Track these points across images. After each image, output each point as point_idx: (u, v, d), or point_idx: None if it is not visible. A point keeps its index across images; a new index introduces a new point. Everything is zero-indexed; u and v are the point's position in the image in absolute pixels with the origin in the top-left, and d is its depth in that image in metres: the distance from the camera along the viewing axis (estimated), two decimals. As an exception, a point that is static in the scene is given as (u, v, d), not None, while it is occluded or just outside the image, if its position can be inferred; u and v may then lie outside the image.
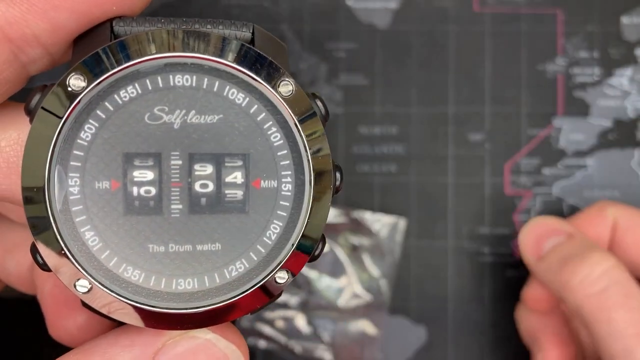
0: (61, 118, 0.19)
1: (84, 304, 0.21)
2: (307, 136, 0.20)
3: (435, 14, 0.38)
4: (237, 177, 0.20)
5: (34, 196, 0.19)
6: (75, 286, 0.20)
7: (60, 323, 0.27)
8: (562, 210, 0.38)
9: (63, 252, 0.19)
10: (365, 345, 0.38)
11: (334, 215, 0.38)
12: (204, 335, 0.21)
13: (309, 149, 0.20)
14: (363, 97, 0.38)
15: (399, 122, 0.38)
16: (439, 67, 0.38)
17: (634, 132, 0.38)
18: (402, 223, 0.38)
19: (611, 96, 0.38)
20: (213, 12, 0.38)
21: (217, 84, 0.20)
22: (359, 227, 0.38)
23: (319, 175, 0.20)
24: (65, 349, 0.29)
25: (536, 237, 0.34)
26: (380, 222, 0.38)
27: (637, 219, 0.33)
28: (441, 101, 0.38)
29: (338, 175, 0.21)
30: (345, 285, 0.38)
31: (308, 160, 0.20)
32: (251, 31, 0.21)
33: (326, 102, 0.38)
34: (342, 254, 0.38)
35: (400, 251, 0.38)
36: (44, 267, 0.20)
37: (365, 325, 0.38)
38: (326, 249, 0.37)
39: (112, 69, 0.19)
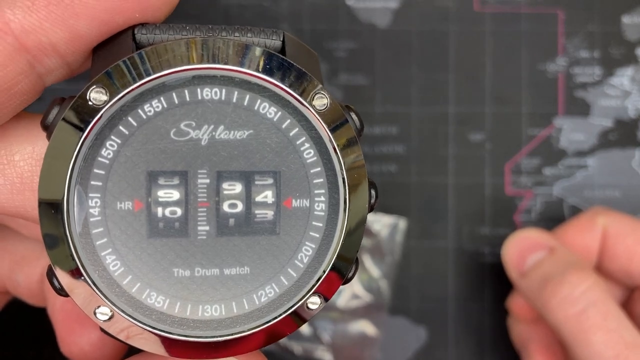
0: (82, 133, 0.18)
1: (103, 330, 0.20)
2: (341, 150, 0.19)
3: (435, 14, 0.38)
4: (267, 196, 0.19)
5: (51, 214, 0.18)
6: (95, 314, 0.18)
7: (72, 339, 0.26)
8: (562, 210, 0.38)
9: (83, 277, 0.18)
10: (365, 346, 0.38)
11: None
12: None
13: (344, 165, 0.19)
14: (363, 97, 0.38)
15: (399, 122, 0.38)
16: (439, 67, 0.38)
17: (635, 132, 0.38)
18: (402, 223, 0.38)
19: (612, 96, 0.38)
20: (213, 12, 0.37)
21: (247, 97, 0.19)
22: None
23: (353, 193, 0.19)
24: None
25: (519, 252, 0.34)
26: (380, 223, 0.38)
27: (628, 227, 0.33)
28: (441, 101, 0.38)
29: (373, 192, 0.20)
30: (345, 285, 0.38)
31: (343, 179, 0.19)
32: (281, 39, 0.20)
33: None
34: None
35: (400, 251, 0.38)
36: (61, 292, 0.19)
37: (365, 326, 0.38)
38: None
39: (136, 81, 0.18)
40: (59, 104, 0.18)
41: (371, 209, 0.20)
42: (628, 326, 0.29)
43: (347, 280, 0.20)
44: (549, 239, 0.34)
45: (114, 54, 0.19)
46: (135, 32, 0.19)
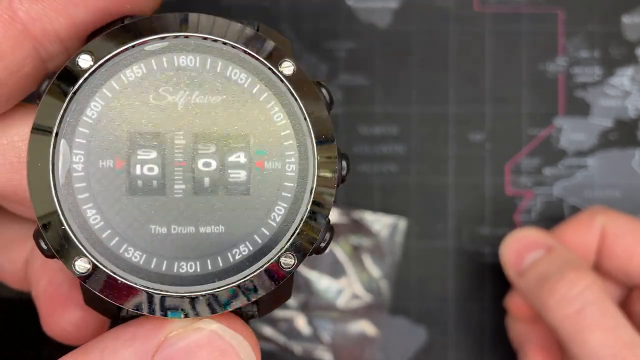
0: (69, 92, 0.19)
1: (87, 301, 0.21)
2: (309, 116, 0.20)
3: (435, 14, 0.38)
4: (240, 157, 0.20)
5: (37, 167, 0.19)
6: (74, 266, 0.19)
7: (55, 319, 0.27)
8: (562, 210, 0.38)
9: (63, 227, 0.19)
10: (365, 346, 0.38)
11: (334, 215, 0.37)
12: (208, 326, 0.20)
13: (313, 130, 0.20)
14: (363, 97, 0.38)
15: (399, 122, 0.38)
16: (439, 67, 0.38)
17: (635, 132, 0.38)
18: (402, 223, 0.38)
19: (612, 96, 0.38)
20: (213, 12, 0.37)
21: (220, 64, 0.20)
22: (359, 227, 0.38)
23: (323, 159, 0.20)
24: (64, 347, 0.29)
25: (517, 251, 0.34)
26: (380, 223, 0.38)
27: (627, 226, 0.33)
28: (441, 101, 0.38)
29: (344, 163, 0.21)
30: (345, 285, 0.38)
31: (311, 139, 0.20)
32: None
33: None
34: (342, 255, 0.38)
35: (400, 251, 0.38)
36: (47, 252, 0.20)
37: (365, 326, 0.38)
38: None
39: (118, 48, 0.20)
40: (50, 77, 0.20)
41: (342, 180, 0.21)
42: (626, 325, 0.29)
43: (320, 249, 0.21)
44: (547, 238, 0.34)
45: None
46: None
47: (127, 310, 0.20)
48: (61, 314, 0.27)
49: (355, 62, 0.38)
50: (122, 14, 0.21)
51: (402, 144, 0.38)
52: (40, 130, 0.19)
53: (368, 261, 0.38)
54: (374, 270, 0.38)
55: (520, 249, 0.34)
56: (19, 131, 0.21)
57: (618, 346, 0.29)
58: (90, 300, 0.21)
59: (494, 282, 0.38)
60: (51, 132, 0.19)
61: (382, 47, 0.38)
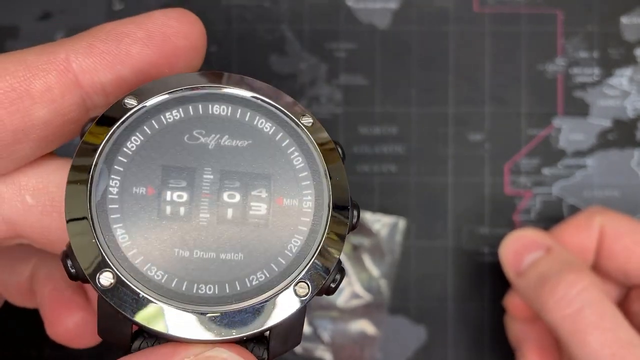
0: (113, 125, 0.22)
1: (100, 331, 0.22)
2: (326, 162, 0.23)
3: (435, 14, 0.38)
4: (262, 192, 0.22)
5: (77, 187, 0.21)
6: (98, 280, 0.20)
7: (58, 320, 0.28)
8: (561, 210, 0.38)
9: (94, 240, 0.21)
10: (365, 345, 0.38)
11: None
12: (220, 355, 0.21)
13: (329, 173, 0.22)
14: (363, 97, 0.38)
15: (399, 122, 0.38)
16: (439, 67, 0.38)
17: (634, 132, 0.38)
18: (402, 223, 0.38)
19: (611, 96, 0.38)
20: (214, 13, 0.38)
21: (248, 114, 0.23)
22: (359, 227, 0.38)
23: (337, 192, 0.22)
24: (65, 347, 0.29)
25: (516, 252, 0.34)
26: (380, 222, 0.38)
27: (625, 227, 0.33)
28: (441, 101, 0.38)
29: (355, 212, 0.23)
30: (345, 285, 0.38)
31: (327, 180, 0.22)
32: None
33: (326, 102, 0.38)
34: (342, 254, 0.38)
35: (400, 251, 0.38)
36: (73, 272, 0.21)
37: (365, 325, 0.38)
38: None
39: (161, 94, 0.22)
40: (92, 120, 0.22)
41: (353, 227, 0.23)
42: (624, 325, 0.30)
43: (330, 290, 0.22)
44: (546, 238, 0.34)
45: None
46: None
47: (140, 343, 0.21)
48: (65, 316, 0.28)
49: (355, 63, 0.38)
50: (161, 76, 0.23)
51: (402, 144, 0.38)
52: (85, 150, 0.21)
53: (368, 261, 0.38)
54: (374, 270, 0.38)
55: (520, 249, 0.34)
56: (55, 179, 0.24)
57: (617, 346, 0.29)
58: (104, 330, 0.22)
59: (493, 282, 0.38)
60: (95, 151, 0.21)
61: (382, 48, 0.38)
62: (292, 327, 0.22)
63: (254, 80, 0.23)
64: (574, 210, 0.38)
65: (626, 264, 0.33)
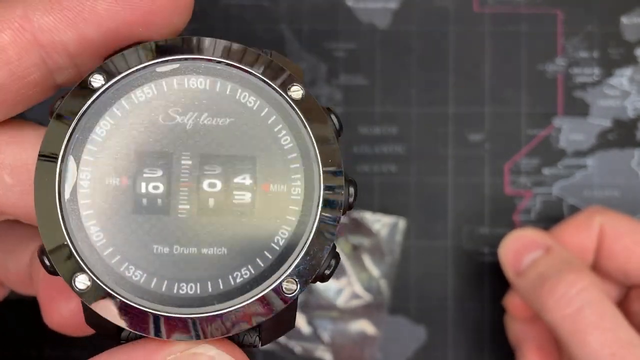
0: (79, 111, 0.20)
1: (87, 319, 0.21)
2: (317, 141, 0.20)
3: (435, 14, 0.38)
4: (245, 178, 0.20)
5: (45, 185, 0.20)
6: (74, 282, 0.19)
7: (53, 307, 0.28)
8: (561, 210, 0.38)
9: (65, 242, 0.19)
10: (364, 346, 0.38)
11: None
12: (207, 352, 0.20)
13: (320, 155, 0.20)
14: (363, 97, 0.38)
15: (399, 122, 0.38)
16: (439, 67, 0.38)
17: (634, 132, 0.38)
18: (402, 223, 0.38)
19: (611, 96, 0.38)
20: (213, 12, 0.38)
21: (229, 87, 0.20)
22: (358, 227, 0.38)
23: (330, 185, 0.20)
24: (65, 347, 0.29)
25: (515, 252, 0.34)
26: (380, 222, 0.38)
27: (625, 227, 0.33)
28: (441, 101, 0.38)
29: (352, 190, 0.21)
30: (344, 285, 0.38)
31: (318, 164, 0.20)
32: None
33: (326, 102, 0.38)
34: (341, 254, 0.38)
35: (400, 251, 0.38)
36: (50, 269, 0.20)
37: (364, 326, 0.38)
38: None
39: (130, 69, 0.20)
40: (62, 97, 0.20)
41: (350, 207, 0.21)
42: (624, 325, 0.30)
43: (324, 277, 0.20)
44: (546, 238, 0.34)
45: None
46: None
47: (129, 332, 0.20)
48: (60, 301, 0.27)
49: (355, 62, 0.38)
50: (135, 38, 0.21)
51: (402, 144, 0.38)
52: (53, 137, 0.20)
53: (368, 261, 0.38)
54: (374, 270, 0.38)
55: (519, 249, 0.34)
56: (33, 154, 0.21)
57: (617, 346, 0.29)
58: (91, 318, 0.21)
59: (493, 282, 0.38)
60: (59, 149, 0.20)
61: (382, 47, 0.38)
62: (283, 316, 0.21)
63: (239, 46, 0.21)
64: (574, 210, 0.38)
65: (626, 264, 0.33)
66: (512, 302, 0.36)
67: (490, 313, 0.38)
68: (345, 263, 0.38)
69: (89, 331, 0.28)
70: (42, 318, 0.29)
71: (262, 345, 0.21)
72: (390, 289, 0.38)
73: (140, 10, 0.21)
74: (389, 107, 0.38)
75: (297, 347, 0.38)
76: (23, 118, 0.23)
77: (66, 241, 0.19)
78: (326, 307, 0.38)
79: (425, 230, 0.38)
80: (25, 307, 0.31)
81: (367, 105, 0.38)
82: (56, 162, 0.20)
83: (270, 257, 0.20)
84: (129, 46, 0.21)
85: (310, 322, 0.38)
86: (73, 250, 0.19)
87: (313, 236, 0.20)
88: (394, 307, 0.38)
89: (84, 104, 0.20)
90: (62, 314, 0.27)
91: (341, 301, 0.38)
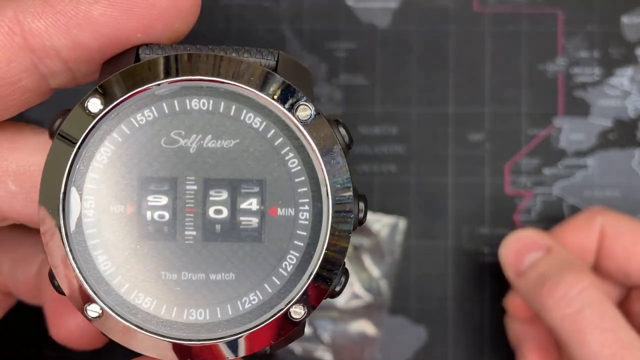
0: (78, 139, 0.19)
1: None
2: (325, 163, 0.20)
3: (435, 14, 0.38)
4: (252, 203, 0.20)
5: (49, 217, 0.19)
6: (85, 310, 0.19)
7: (60, 322, 0.28)
8: (562, 210, 0.38)
9: (74, 274, 0.19)
10: (365, 346, 0.38)
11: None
12: None
13: (328, 177, 0.20)
14: (363, 97, 0.38)
15: (399, 122, 0.38)
16: (439, 67, 0.38)
17: (634, 132, 0.38)
18: (402, 223, 0.38)
19: (611, 96, 0.38)
20: (213, 12, 0.38)
21: (233, 107, 0.20)
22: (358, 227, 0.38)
23: (339, 204, 0.20)
24: (65, 351, 0.29)
25: (516, 252, 0.34)
26: (380, 223, 0.38)
27: (626, 227, 0.33)
28: (441, 101, 0.38)
29: (362, 205, 0.20)
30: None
31: (327, 189, 0.20)
32: (275, 59, 0.20)
33: (326, 102, 0.38)
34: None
35: (400, 251, 0.38)
36: (60, 289, 0.20)
37: (365, 326, 0.38)
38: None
39: (128, 92, 0.19)
40: (62, 115, 0.20)
41: (360, 223, 0.20)
42: (624, 326, 0.30)
43: (334, 293, 0.20)
44: (546, 238, 0.34)
45: (117, 69, 0.20)
46: (140, 51, 0.20)
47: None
48: (68, 316, 0.27)
49: (355, 62, 0.38)
50: (133, 43, 0.20)
51: (402, 144, 0.38)
52: (54, 165, 0.19)
53: (368, 261, 0.38)
54: (374, 270, 0.38)
55: (520, 249, 0.34)
56: (36, 160, 0.21)
57: (617, 346, 0.29)
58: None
59: (493, 282, 0.38)
60: (60, 184, 0.19)
61: (382, 47, 0.38)
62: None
63: (238, 60, 0.20)
64: (575, 210, 0.38)
65: (626, 265, 0.33)
66: (512, 302, 0.36)
67: (491, 313, 0.38)
68: (345, 263, 0.38)
69: (94, 345, 0.28)
70: (42, 318, 0.29)
71: (271, 352, 0.21)
72: (390, 289, 0.38)
73: (139, 15, 0.19)
74: (389, 107, 0.38)
75: (297, 347, 0.38)
76: (22, 118, 0.23)
77: (74, 271, 0.19)
78: (326, 307, 0.38)
79: (426, 231, 0.38)
80: (25, 308, 0.31)
81: (367, 105, 0.38)
82: (58, 199, 0.19)
83: (278, 283, 0.20)
84: (127, 51, 0.20)
85: (310, 323, 0.38)
86: (83, 282, 0.19)
87: (321, 262, 0.20)
88: (394, 307, 0.38)
89: (83, 132, 0.19)
90: (69, 328, 0.27)
91: (341, 301, 0.38)
